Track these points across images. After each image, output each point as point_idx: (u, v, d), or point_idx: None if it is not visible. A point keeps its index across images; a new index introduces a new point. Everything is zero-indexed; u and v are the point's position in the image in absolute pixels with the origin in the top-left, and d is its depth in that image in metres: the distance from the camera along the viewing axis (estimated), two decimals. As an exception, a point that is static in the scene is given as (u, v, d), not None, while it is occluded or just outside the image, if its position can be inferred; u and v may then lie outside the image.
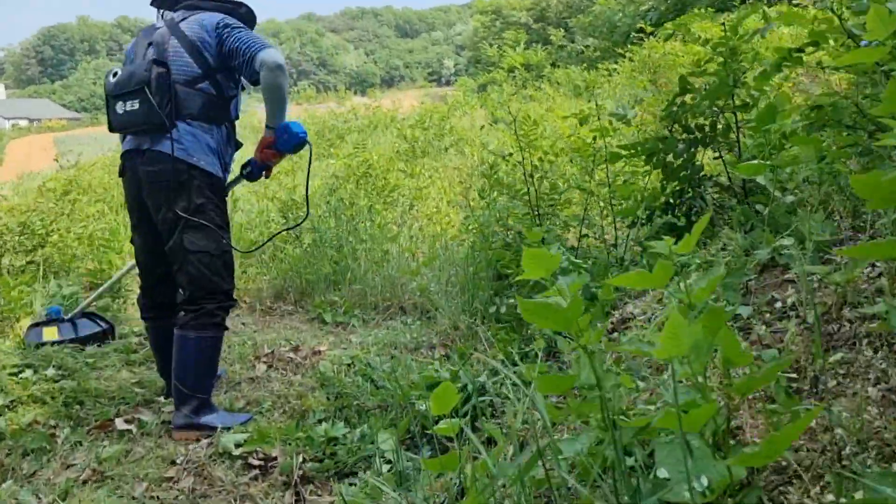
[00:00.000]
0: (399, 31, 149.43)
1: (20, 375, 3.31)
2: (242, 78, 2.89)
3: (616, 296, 2.51)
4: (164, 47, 2.80)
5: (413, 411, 2.64)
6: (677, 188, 2.96)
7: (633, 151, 2.95)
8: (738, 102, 2.75)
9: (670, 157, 2.88)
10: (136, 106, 2.74)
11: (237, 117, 3.01)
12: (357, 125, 12.94)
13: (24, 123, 65.89)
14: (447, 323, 3.90)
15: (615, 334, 2.19)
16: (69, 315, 3.85)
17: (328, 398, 3.12)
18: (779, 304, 1.76)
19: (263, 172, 3.05)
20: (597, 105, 3.49)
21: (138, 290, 3.20)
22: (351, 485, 2.43)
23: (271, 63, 2.69)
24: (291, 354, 3.71)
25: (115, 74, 2.83)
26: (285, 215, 4.96)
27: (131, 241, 3.11)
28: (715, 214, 2.81)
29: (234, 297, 3.04)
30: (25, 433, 2.80)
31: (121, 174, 2.98)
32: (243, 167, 3.06)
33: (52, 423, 2.93)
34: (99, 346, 3.77)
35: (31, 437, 2.77)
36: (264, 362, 3.62)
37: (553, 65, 19.96)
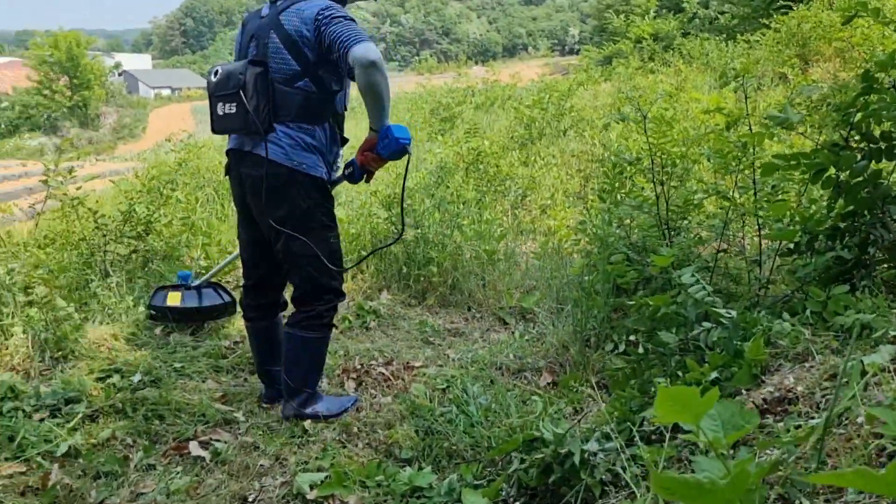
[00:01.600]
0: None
1: (107, 381, 3.21)
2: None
3: (768, 353, 1.99)
4: (264, 41, 2.65)
5: (507, 471, 2.25)
6: (849, 210, 2.37)
7: (794, 163, 2.37)
8: (945, 107, 2.12)
9: (844, 174, 2.29)
10: (234, 109, 2.64)
11: (344, 111, 2.83)
12: (473, 101, 12.50)
13: (166, 93, 70.24)
14: (556, 343, 3.47)
15: (768, 418, 1.69)
16: (196, 282, 3.83)
17: (417, 433, 2.79)
18: None
19: (364, 176, 2.85)
20: (746, 99, 2.90)
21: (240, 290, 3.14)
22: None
23: (364, 60, 2.44)
24: (383, 370, 3.41)
25: (216, 73, 2.72)
26: (389, 209, 4.65)
27: (238, 237, 3.04)
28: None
29: (344, 294, 2.97)
30: (99, 453, 2.66)
31: (226, 173, 2.89)
32: (346, 167, 2.85)
33: (129, 440, 2.78)
34: (216, 320, 3.87)
35: (104, 458, 2.62)
36: (353, 378, 3.34)
37: (685, 34, 18.57)
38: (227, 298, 3.87)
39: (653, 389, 2.26)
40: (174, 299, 3.74)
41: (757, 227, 3.13)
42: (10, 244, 4.18)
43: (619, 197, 3.53)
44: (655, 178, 2.98)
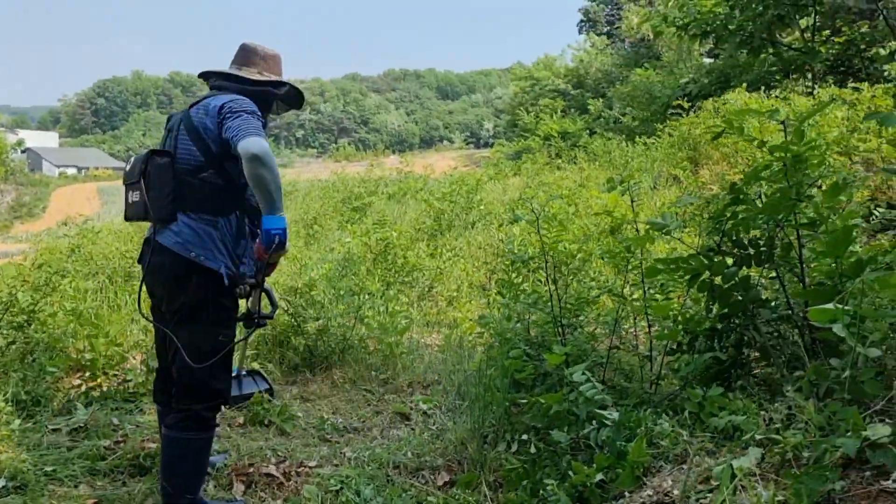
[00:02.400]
0: (440, 92, 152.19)
1: (-33, 486, 2.92)
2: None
3: (650, 454, 2.03)
4: (175, 134, 2.72)
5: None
6: (724, 313, 2.49)
7: (673, 267, 2.49)
8: (802, 219, 2.29)
9: (718, 279, 2.42)
10: (137, 197, 2.68)
11: (256, 205, 2.71)
12: (386, 191, 12.67)
13: (72, 172, 68.03)
14: (455, 440, 3.42)
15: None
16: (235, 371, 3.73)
17: (306, 538, 2.65)
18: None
19: (269, 268, 2.84)
20: (632, 202, 3.06)
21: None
22: None
23: (247, 154, 2.45)
24: (274, 470, 3.25)
25: (129, 161, 2.79)
26: (290, 300, 4.57)
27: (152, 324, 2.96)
28: (773, 350, 2.33)
29: (227, 397, 2.82)
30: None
31: (138, 260, 2.88)
32: (255, 263, 2.81)
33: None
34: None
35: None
36: (242, 481, 3.17)
37: (590, 132, 19.65)
38: (265, 386, 3.91)
39: (541, 491, 2.24)
40: None
41: (647, 324, 3.25)
42: None
43: (517, 293, 3.59)
44: (549, 276, 3.06)
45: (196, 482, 2.76)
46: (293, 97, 2.97)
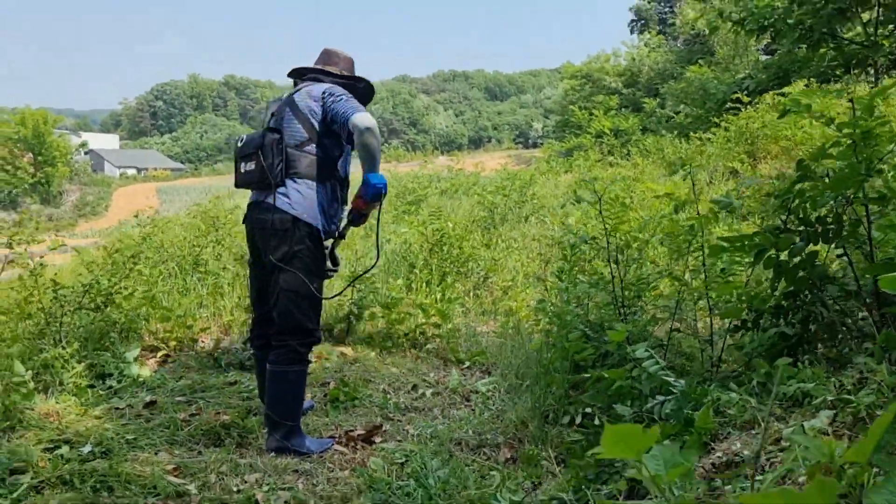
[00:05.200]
0: (489, 93, 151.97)
1: (55, 451, 3.12)
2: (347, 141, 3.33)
3: (717, 422, 2.06)
4: (280, 115, 3.30)
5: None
6: (790, 290, 2.50)
7: (738, 245, 2.51)
8: (871, 194, 2.29)
9: (784, 255, 2.44)
10: (252, 166, 3.23)
11: (346, 175, 3.40)
12: (438, 187, 12.80)
13: (131, 172, 70.20)
14: (515, 419, 3.48)
15: (717, 482, 1.75)
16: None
17: (373, 506, 2.75)
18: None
19: (359, 220, 3.43)
20: (693, 185, 3.08)
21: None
22: None
23: (361, 126, 3.07)
24: (342, 447, 3.38)
25: (241, 140, 3.34)
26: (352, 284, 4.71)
27: (249, 278, 3.57)
28: (840, 327, 2.34)
29: (318, 336, 3.38)
30: (43, 525, 2.55)
31: (243, 221, 3.45)
32: (348, 214, 3.44)
33: (75, 513, 2.68)
34: None
35: (48, 530, 2.52)
36: (311, 452, 3.30)
37: (643, 130, 19.43)
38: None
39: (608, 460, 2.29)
40: None
41: (708, 307, 3.26)
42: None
43: (575, 278, 3.64)
44: (610, 257, 3.10)
45: (296, 409, 3.27)
46: (367, 92, 3.53)
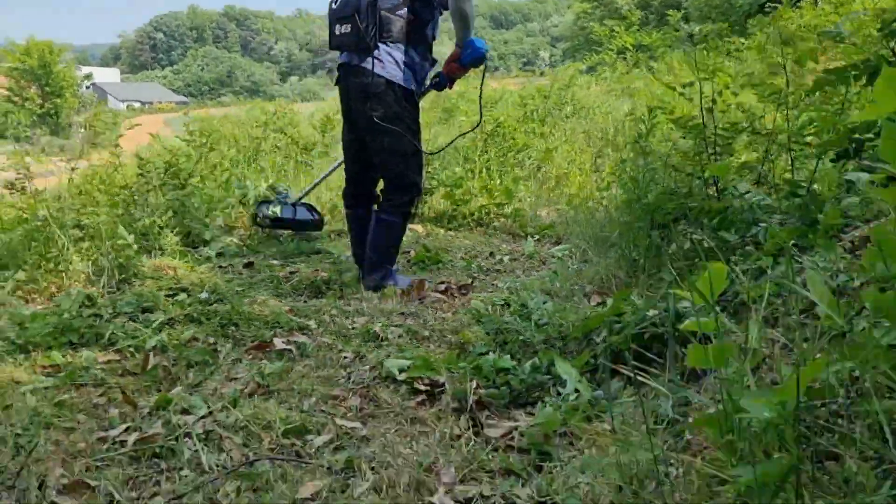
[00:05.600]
0: (494, 22, 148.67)
1: (175, 298, 3.31)
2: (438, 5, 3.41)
3: (843, 221, 2.21)
4: None
5: (594, 344, 2.43)
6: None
7: (846, 74, 2.61)
8: None
9: None
10: (349, 29, 3.28)
11: (434, 38, 3.49)
12: (467, 97, 12.72)
13: (136, 106, 69.63)
14: (602, 269, 3.64)
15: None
16: (290, 200, 4.52)
17: (487, 333, 2.94)
18: None
19: (448, 84, 3.61)
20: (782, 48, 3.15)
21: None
22: (529, 414, 2.26)
23: None
24: (438, 294, 3.57)
25: (336, 2, 3.38)
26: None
27: (342, 139, 3.72)
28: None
29: (421, 189, 3.73)
30: (187, 347, 2.76)
31: (336, 83, 3.56)
32: (433, 78, 3.57)
33: (212, 340, 2.89)
34: (306, 232, 4.58)
35: (194, 350, 2.73)
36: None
37: (668, 47, 19.06)
38: (317, 217, 4.57)
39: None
40: (276, 212, 4.40)
41: (797, 154, 3.24)
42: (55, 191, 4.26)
43: (654, 138, 3.74)
44: (703, 105, 3.19)
45: (394, 255, 3.60)
46: None
